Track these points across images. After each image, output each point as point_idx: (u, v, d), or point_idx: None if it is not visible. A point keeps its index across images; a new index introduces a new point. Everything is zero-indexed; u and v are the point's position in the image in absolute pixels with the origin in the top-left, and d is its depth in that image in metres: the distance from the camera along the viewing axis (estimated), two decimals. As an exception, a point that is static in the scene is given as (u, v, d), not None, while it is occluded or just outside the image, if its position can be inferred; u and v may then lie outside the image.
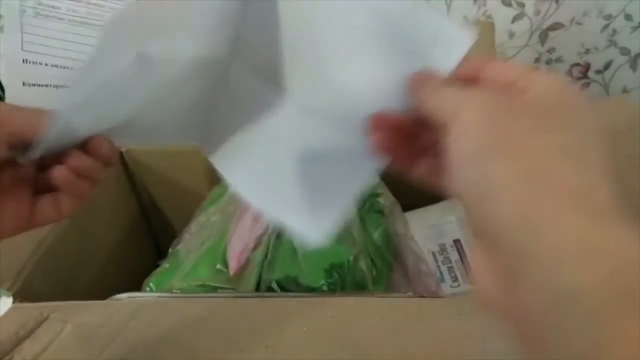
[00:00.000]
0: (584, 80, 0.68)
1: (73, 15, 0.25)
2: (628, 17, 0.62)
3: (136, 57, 0.20)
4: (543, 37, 0.63)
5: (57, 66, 0.25)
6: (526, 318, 0.15)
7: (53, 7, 0.25)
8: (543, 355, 0.14)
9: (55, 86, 0.25)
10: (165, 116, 0.24)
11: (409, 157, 0.22)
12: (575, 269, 0.13)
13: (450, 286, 0.46)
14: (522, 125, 0.17)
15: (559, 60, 0.66)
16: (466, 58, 0.22)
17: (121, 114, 0.22)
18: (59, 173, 0.21)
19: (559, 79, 0.19)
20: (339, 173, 0.24)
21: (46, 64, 0.25)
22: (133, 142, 0.24)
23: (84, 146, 0.22)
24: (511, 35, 0.63)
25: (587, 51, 0.65)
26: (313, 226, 0.23)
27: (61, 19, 0.25)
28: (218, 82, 0.24)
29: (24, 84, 0.25)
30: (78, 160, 0.21)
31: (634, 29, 0.63)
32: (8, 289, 0.34)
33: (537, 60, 0.66)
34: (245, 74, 0.24)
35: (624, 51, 0.65)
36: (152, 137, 0.25)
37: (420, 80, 0.22)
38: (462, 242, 0.49)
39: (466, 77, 0.21)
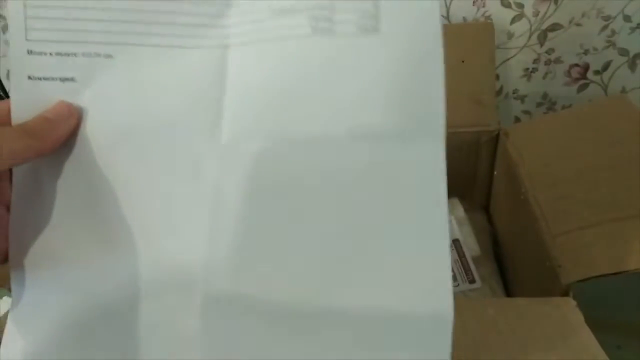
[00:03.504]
0: (583, 81, 0.68)
1: None
2: (627, 18, 0.62)
3: None
4: (542, 37, 0.63)
5: (61, 54, 0.23)
6: None
7: None
8: None
9: (62, 79, 0.23)
10: None
11: None
12: None
13: (449, 286, 0.46)
14: None
15: (557, 60, 0.66)
16: None
17: None
18: None
19: None
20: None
21: (51, 53, 0.23)
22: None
23: None
24: (510, 36, 0.63)
25: (586, 52, 0.65)
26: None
27: None
28: None
29: (29, 77, 0.23)
30: None
31: (633, 29, 0.63)
32: (10, 289, 0.34)
33: (536, 60, 0.66)
34: None
35: (623, 52, 0.65)
36: None
37: None
38: (461, 242, 0.49)
39: None
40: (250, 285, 0.22)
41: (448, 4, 0.60)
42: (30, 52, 0.23)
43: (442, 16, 0.61)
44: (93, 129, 0.23)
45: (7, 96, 0.61)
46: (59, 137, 0.22)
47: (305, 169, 0.22)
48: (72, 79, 0.23)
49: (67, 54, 0.23)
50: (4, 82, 0.64)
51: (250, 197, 0.22)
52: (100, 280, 0.23)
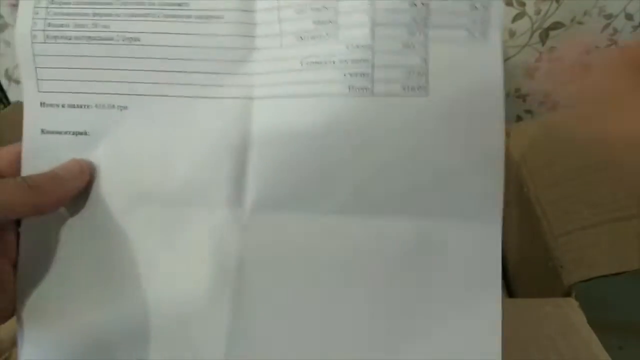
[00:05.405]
0: (585, 80, 0.68)
1: (80, 32, 0.22)
2: (629, 17, 0.62)
3: None
4: (544, 36, 0.63)
5: (74, 106, 0.22)
6: None
7: (61, 25, 0.22)
8: None
9: (75, 133, 0.22)
10: None
11: None
12: None
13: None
14: None
15: (559, 59, 0.65)
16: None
17: None
18: None
19: None
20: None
21: (63, 105, 0.22)
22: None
23: None
24: (512, 34, 0.63)
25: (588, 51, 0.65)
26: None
27: (69, 39, 0.22)
28: None
29: (42, 131, 0.22)
30: None
31: (635, 28, 0.63)
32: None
33: (538, 59, 0.65)
34: None
35: (625, 51, 0.65)
36: None
37: None
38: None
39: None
40: None
41: (449, 2, 0.60)
42: (43, 105, 0.22)
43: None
44: (106, 188, 0.21)
45: (5, 96, 0.61)
46: (64, 195, 0.21)
47: (337, 246, 0.19)
48: (85, 133, 0.22)
49: (80, 106, 0.22)
50: (2, 81, 0.64)
51: (277, 275, 0.20)
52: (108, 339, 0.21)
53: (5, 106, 0.63)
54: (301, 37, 0.20)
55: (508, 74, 0.67)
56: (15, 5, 0.58)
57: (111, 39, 0.21)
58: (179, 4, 0.21)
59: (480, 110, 0.18)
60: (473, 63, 0.19)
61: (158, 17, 0.21)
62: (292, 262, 0.20)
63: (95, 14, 0.21)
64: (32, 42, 0.22)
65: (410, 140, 0.19)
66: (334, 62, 0.19)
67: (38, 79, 0.22)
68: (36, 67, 0.22)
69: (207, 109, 0.21)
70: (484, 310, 0.19)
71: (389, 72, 0.19)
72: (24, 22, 0.22)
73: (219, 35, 0.21)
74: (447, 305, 0.19)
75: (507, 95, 0.69)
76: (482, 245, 0.19)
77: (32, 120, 0.22)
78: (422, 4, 0.19)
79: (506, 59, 0.65)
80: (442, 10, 0.19)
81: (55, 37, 0.22)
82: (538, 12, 0.61)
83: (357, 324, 0.19)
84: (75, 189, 0.21)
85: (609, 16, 0.62)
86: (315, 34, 0.20)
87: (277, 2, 0.20)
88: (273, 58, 0.20)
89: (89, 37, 0.21)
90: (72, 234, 0.22)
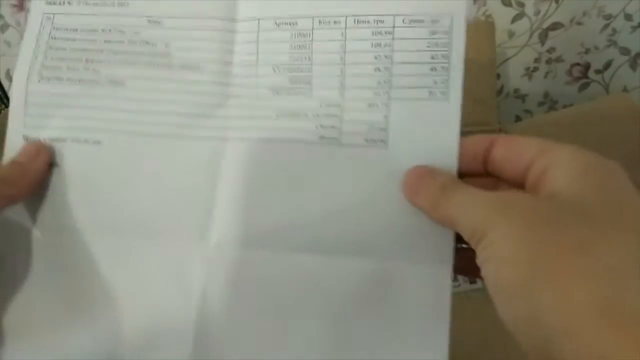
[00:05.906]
0: (584, 80, 0.68)
1: (72, 74, 0.23)
2: (628, 17, 0.62)
3: None
4: (543, 36, 0.63)
5: (53, 140, 0.23)
6: None
7: (55, 68, 0.23)
8: None
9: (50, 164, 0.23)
10: None
11: None
12: None
13: (450, 286, 0.46)
14: (561, 241, 0.15)
15: (558, 59, 0.66)
16: (469, 139, 0.20)
17: None
18: None
19: (579, 155, 0.17)
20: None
21: (44, 139, 0.23)
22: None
23: None
24: (511, 35, 0.63)
25: (587, 51, 0.65)
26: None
27: (61, 80, 0.23)
28: None
29: None
30: None
31: (634, 28, 0.63)
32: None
33: (537, 60, 0.66)
34: None
35: (624, 51, 0.65)
36: None
37: (415, 186, 0.19)
38: (462, 241, 0.49)
39: (473, 159, 0.20)
40: None
41: (449, 3, 0.60)
42: (26, 139, 0.23)
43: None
44: (76, 218, 0.22)
45: (6, 96, 0.61)
46: (31, 181, 0.22)
47: (297, 282, 0.21)
48: (57, 165, 0.23)
49: (58, 139, 0.23)
50: (3, 82, 0.64)
51: (238, 307, 0.21)
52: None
53: (6, 106, 0.63)
54: (277, 92, 0.22)
55: (507, 74, 0.67)
56: (16, 6, 0.58)
57: (98, 81, 0.23)
58: (163, 54, 0.23)
59: (435, 163, 0.20)
60: (432, 120, 0.20)
61: (143, 64, 0.23)
62: (253, 295, 0.21)
63: (87, 60, 0.23)
64: (27, 82, 0.23)
65: (371, 186, 0.21)
66: (306, 115, 0.21)
67: (26, 115, 0.23)
68: (26, 105, 0.23)
69: (179, 148, 0.22)
70: (432, 342, 0.20)
71: (355, 126, 0.21)
72: (23, 65, 0.23)
73: (197, 82, 0.22)
74: (399, 338, 0.20)
75: (507, 95, 0.70)
76: (434, 283, 0.20)
77: (12, 152, 0.23)
78: (385, 68, 0.21)
79: (505, 60, 0.65)
80: (404, 73, 0.21)
81: (49, 78, 0.23)
82: (537, 13, 0.61)
83: (314, 354, 0.21)
84: (38, 172, 0.22)
85: (608, 16, 0.62)
86: (291, 91, 0.22)
87: (256, 57, 0.22)
88: (248, 106, 0.22)
89: (80, 80, 0.23)
90: (41, 261, 0.22)
